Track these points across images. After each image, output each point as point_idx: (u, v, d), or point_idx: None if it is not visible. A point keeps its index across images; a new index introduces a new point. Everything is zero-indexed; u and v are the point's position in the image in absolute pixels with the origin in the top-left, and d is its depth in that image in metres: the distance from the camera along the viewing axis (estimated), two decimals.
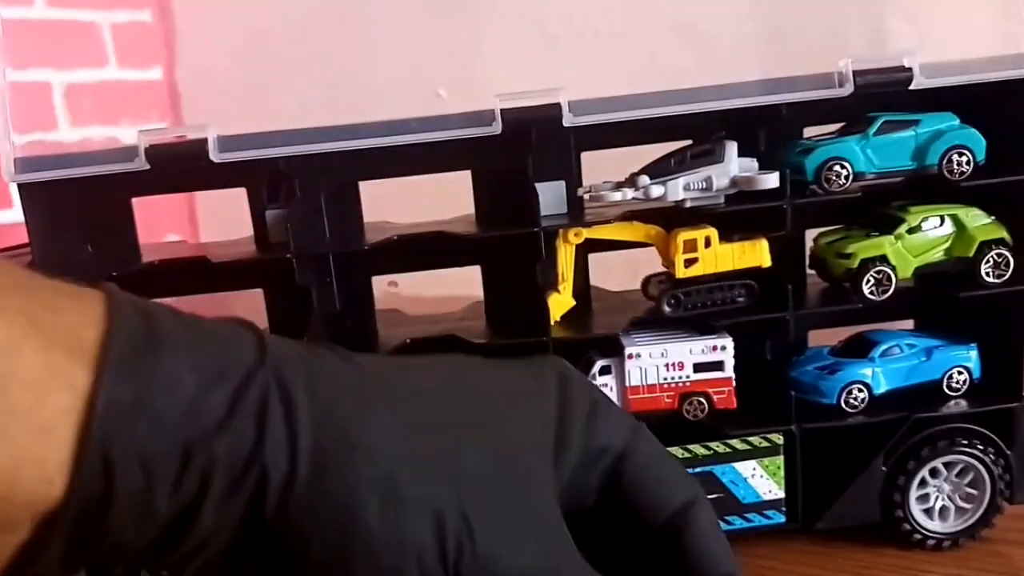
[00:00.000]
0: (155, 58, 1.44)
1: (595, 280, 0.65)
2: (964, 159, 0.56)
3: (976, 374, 0.60)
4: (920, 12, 1.07)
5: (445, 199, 0.63)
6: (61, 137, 1.26)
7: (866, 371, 0.59)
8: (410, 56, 1.29)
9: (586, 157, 0.61)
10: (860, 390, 0.59)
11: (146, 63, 1.43)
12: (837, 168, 0.56)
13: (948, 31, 1.04)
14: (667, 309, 0.58)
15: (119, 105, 1.36)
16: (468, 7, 1.29)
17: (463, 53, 1.28)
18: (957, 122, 0.57)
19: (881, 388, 0.59)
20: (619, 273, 0.64)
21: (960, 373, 0.60)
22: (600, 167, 0.61)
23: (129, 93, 1.39)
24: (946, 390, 0.60)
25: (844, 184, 0.56)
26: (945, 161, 0.56)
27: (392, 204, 0.65)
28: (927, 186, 0.58)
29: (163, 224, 1.42)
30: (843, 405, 0.59)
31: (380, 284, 0.65)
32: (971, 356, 0.60)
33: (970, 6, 1.02)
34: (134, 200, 0.60)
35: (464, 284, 0.65)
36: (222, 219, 0.62)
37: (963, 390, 0.60)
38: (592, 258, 0.63)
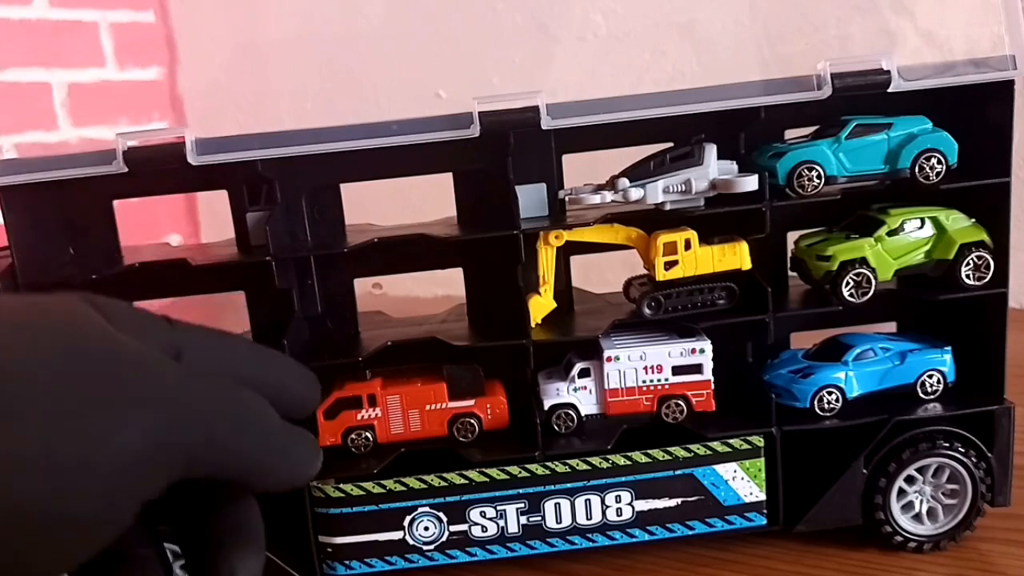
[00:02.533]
0: (155, 58, 1.45)
1: (594, 279, 0.66)
2: (936, 162, 0.56)
3: (951, 377, 0.60)
4: (919, 12, 1.07)
5: (430, 201, 0.63)
6: (62, 137, 1.27)
7: (839, 375, 0.59)
8: (411, 57, 1.30)
9: (570, 160, 0.62)
10: (832, 393, 0.59)
11: (146, 63, 1.43)
12: (808, 172, 0.56)
13: (948, 33, 1.04)
14: (647, 311, 0.58)
15: (119, 105, 1.37)
16: (468, 9, 1.29)
17: (463, 54, 1.28)
18: (930, 125, 0.57)
19: (854, 392, 0.59)
20: (620, 273, 0.64)
21: (932, 376, 0.60)
22: (586, 169, 0.61)
23: (129, 93, 1.40)
24: (920, 394, 0.60)
25: (816, 187, 0.56)
26: (917, 165, 0.56)
27: (376, 206, 0.65)
28: (907, 188, 0.57)
29: (164, 225, 1.43)
30: (816, 409, 0.59)
31: (364, 286, 0.66)
32: (945, 360, 0.60)
33: (968, 7, 1.02)
34: (134, 201, 0.60)
35: (457, 284, 0.66)
36: (223, 219, 0.62)
37: (937, 394, 0.60)
38: (590, 258, 0.63)
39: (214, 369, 0.38)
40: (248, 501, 0.38)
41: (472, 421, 0.59)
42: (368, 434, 0.59)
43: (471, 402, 0.60)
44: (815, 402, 0.59)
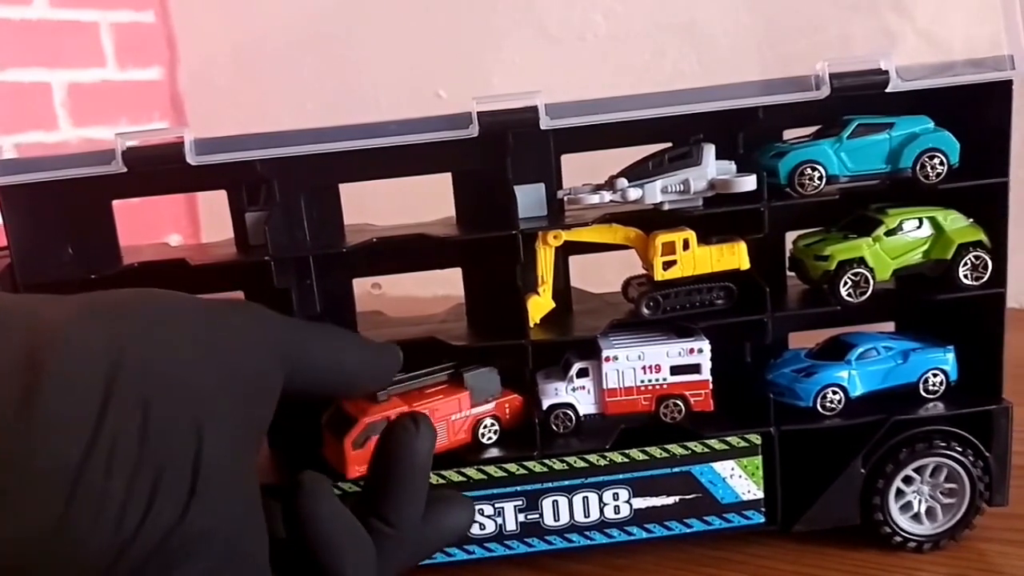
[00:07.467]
0: (155, 58, 1.45)
1: (592, 279, 0.66)
2: (938, 162, 0.56)
3: (952, 376, 0.60)
4: (918, 12, 1.07)
5: (428, 201, 0.63)
6: (62, 137, 1.27)
7: (842, 374, 0.59)
8: (411, 57, 1.30)
9: (568, 159, 0.62)
10: (836, 393, 0.59)
11: (146, 63, 1.43)
12: (810, 171, 0.56)
13: (947, 33, 1.04)
14: (646, 311, 0.59)
15: (119, 105, 1.37)
16: (469, 8, 1.29)
17: (463, 54, 1.28)
18: (931, 125, 0.57)
19: (857, 391, 0.60)
20: (618, 273, 0.64)
21: (936, 375, 0.60)
22: (584, 169, 0.61)
23: (129, 93, 1.40)
24: (922, 392, 0.60)
25: (818, 187, 0.56)
26: (919, 164, 0.56)
27: (375, 206, 0.65)
28: (905, 188, 0.57)
29: (165, 225, 1.43)
30: (819, 408, 0.59)
31: (363, 286, 0.66)
32: (947, 358, 0.60)
33: (967, 7, 1.02)
34: (135, 201, 0.60)
35: (456, 284, 0.66)
36: (224, 219, 0.62)
37: (939, 392, 0.60)
38: (589, 258, 0.63)
39: None
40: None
41: (495, 422, 0.59)
42: None
43: (491, 405, 0.60)
44: (818, 401, 0.59)
